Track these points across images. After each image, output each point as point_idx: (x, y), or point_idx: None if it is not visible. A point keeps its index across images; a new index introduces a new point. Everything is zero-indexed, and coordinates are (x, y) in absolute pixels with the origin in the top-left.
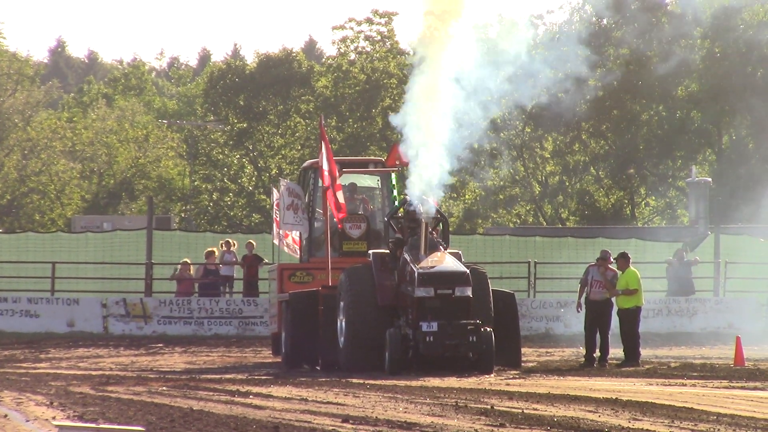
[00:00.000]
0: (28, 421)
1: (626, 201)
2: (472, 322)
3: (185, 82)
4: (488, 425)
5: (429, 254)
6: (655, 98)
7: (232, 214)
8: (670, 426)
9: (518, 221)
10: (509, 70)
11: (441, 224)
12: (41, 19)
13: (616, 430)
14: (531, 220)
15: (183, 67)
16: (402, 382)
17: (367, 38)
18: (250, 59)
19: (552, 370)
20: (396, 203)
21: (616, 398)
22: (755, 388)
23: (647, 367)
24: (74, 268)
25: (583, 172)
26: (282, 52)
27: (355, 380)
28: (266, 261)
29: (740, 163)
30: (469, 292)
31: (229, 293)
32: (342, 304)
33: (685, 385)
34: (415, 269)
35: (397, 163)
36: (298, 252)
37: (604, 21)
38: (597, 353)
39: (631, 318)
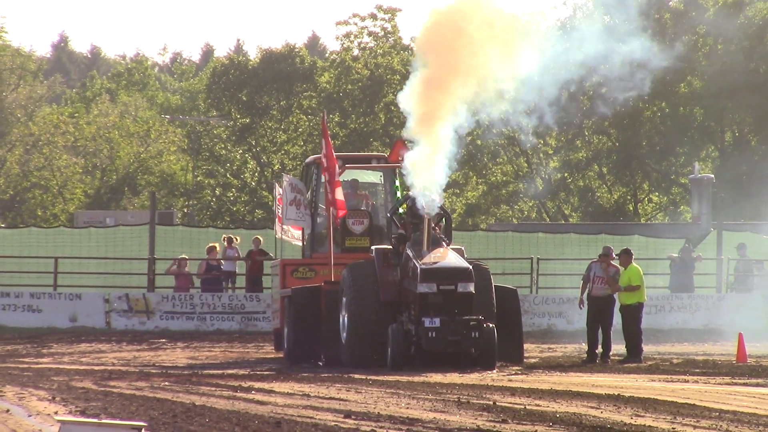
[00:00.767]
0: (30, 416)
1: (629, 197)
2: (474, 318)
3: (188, 78)
4: (490, 421)
5: (432, 250)
6: (657, 95)
7: (234, 209)
8: (673, 422)
9: (521, 217)
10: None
11: (444, 220)
12: (44, 14)
13: (619, 426)
14: (534, 216)
15: (186, 62)
16: (404, 378)
17: (370, 34)
18: (253, 55)
19: (554, 366)
20: (398, 199)
21: (619, 394)
22: (757, 385)
23: (650, 363)
24: (77, 263)
25: (585, 168)
26: (285, 47)
27: (357, 376)
28: (272, 256)
29: (743, 159)
30: (471, 288)
31: (232, 288)
32: (344, 299)
33: (688, 381)
34: (417, 265)
35: (400, 159)
36: (300, 241)
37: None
38: (599, 349)
39: (633, 314)
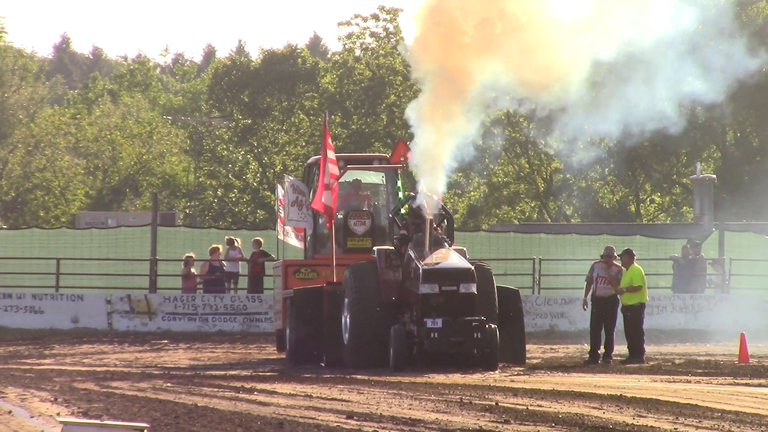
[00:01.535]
0: (32, 417)
1: (631, 198)
2: (476, 318)
3: (190, 79)
4: (493, 422)
5: (433, 251)
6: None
7: (236, 210)
8: (675, 422)
9: (522, 218)
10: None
11: (446, 221)
12: (46, 16)
13: (621, 427)
14: (536, 217)
15: (188, 63)
16: (406, 379)
17: (372, 35)
18: (255, 55)
19: (556, 366)
20: (400, 200)
21: (621, 395)
22: (760, 385)
23: (652, 363)
24: (79, 265)
25: (587, 169)
26: (287, 48)
27: (359, 377)
28: (273, 257)
29: (745, 159)
30: (473, 289)
31: (234, 290)
32: (346, 300)
33: (690, 381)
34: (419, 266)
35: (402, 159)
36: (303, 242)
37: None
38: (602, 350)
39: (635, 315)
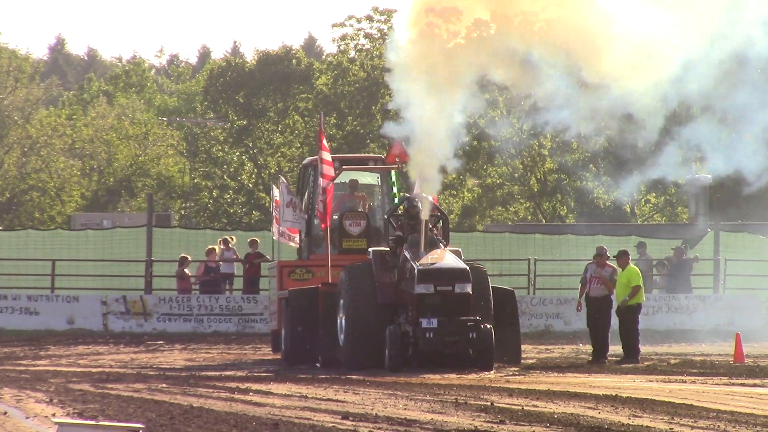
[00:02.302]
0: (27, 418)
1: (625, 198)
2: (472, 318)
3: (185, 80)
4: (488, 422)
5: (429, 251)
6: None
7: (231, 211)
8: (670, 422)
9: (516, 219)
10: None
11: (441, 222)
12: (41, 17)
13: (616, 427)
14: (530, 218)
15: (183, 64)
16: (402, 379)
17: (366, 36)
18: (250, 56)
19: (552, 367)
20: (396, 200)
21: (616, 395)
22: (755, 385)
23: (647, 363)
24: (74, 266)
25: (582, 169)
26: (281, 49)
27: (354, 377)
28: (268, 258)
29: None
30: (468, 289)
31: (229, 290)
32: (342, 302)
33: (685, 381)
34: (414, 266)
35: (397, 160)
36: (298, 242)
37: None
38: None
39: (631, 315)
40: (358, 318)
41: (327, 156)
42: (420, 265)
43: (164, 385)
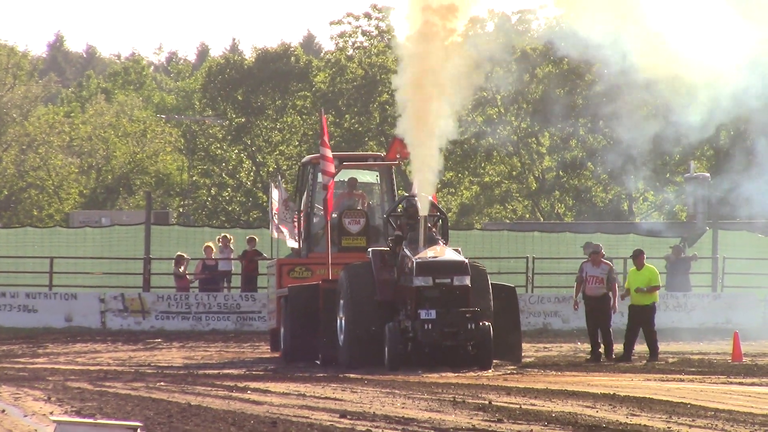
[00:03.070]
0: (25, 416)
1: (623, 196)
2: (470, 309)
3: (184, 77)
4: (486, 420)
5: (427, 247)
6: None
7: (230, 209)
8: (668, 421)
9: (514, 217)
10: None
11: (441, 221)
12: (40, 14)
13: (614, 426)
14: (528, 216)
15: (181, 61)
16: (399, 378)
17: (364, 33)
18: (249, 54)
19: (550, 365)
20: (396, 198)
21: (614, 394)
22: (753, 384)
23: (645, 362)
24: (72, 263)
25: (580, 167)
26: (280, 47)
27: (352, 376)
28: (266, 256)
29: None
30: (467, 282)
31: (227, 288)
32: (342, 302)
33: (683, 380)
34: (413, 259)
35: (398, 156)
36: (296, 238)
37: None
38: (602, 348)
39: (649, 315)
40: (358, 317)
41: (328, 153)
42: (418, 258)
43: (162, 383)
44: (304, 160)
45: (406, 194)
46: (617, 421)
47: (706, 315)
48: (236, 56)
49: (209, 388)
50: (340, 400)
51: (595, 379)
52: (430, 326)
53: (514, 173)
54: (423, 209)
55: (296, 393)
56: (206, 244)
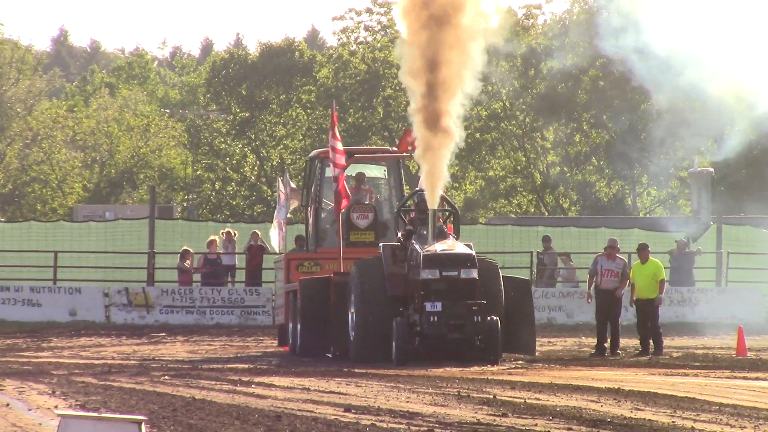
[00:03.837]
0: (30, 410)
1: (627, 191)
2: (476, 302)
3: (188, 72)
4: (490, 415)
5: (437, 241)
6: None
7: (234, 203)
8: (672, 416)
9: (519, 211)
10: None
11: (452, 216)
12: (44, 8)
13: (619, 420)
14: (533, 210)
15: (185, 56)
16: (404, 372)
17: (367, 28)
18: (253, 49)
19: (554, 359)
20: (404, 193)
21: (619, 388)
22: (757, 379)
23: (649, 357)
24: (76, 257)
25: (584, 162)
26: (284, 41)
27: (357, 370)
28: (269, 250)
29: (743, 153)
30: (474, 274)
31: (231, 282)
32: (352, 297)
33: (687, 375)
34: (420, 252)
35: (410, 148)
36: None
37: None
38: (608, 343)
39: (655, 309)
40: (369, 314)
41: (339, 145)
42: (425, 251)
43: (167, 377)
44: (311, 154)
45: (417, 189)
46: (622, 415)
47: (711, 310)
48: (240, 51)
49: (213, 382)
50: (345, 394)
51: (600, 373)
52: (435, 318)
53: (518, 168)
54: (432, 203)
55: (300, 387)
56: (210, 238)
